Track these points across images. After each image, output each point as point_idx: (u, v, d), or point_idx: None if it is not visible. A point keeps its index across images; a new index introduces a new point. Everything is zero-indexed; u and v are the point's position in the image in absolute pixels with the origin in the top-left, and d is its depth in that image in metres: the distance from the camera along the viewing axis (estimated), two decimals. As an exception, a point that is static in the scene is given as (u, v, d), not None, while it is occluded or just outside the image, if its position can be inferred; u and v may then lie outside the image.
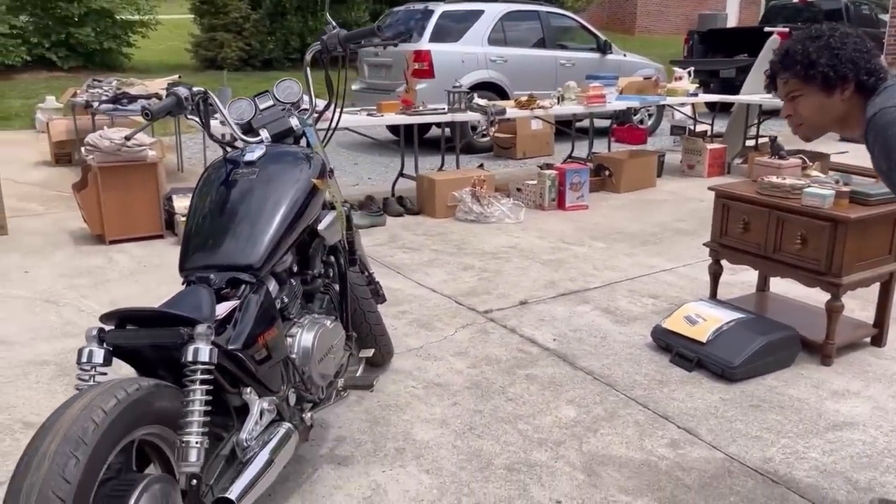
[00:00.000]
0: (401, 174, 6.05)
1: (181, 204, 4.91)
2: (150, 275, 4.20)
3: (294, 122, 2.42)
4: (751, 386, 2.87)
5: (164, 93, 6.38)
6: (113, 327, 1.75)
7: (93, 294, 3.89)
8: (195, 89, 2.25)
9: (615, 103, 6.51)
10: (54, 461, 1.33)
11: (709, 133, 8.10)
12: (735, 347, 2.93)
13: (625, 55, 9.61)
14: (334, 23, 2.40)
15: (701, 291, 3.82)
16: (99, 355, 1.70)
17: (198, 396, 1.63)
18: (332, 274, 2.51)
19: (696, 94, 7.11)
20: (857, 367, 3.04)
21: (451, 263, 4.44)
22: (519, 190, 5.93)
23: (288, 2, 15.37)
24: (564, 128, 7.96)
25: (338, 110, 2.55)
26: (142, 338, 1.73)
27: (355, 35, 2.37)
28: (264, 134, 2.38)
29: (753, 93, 7.23)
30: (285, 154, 2.27)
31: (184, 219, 4.70)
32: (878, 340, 3.22)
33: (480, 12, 8.54)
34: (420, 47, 8.09)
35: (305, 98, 2.53)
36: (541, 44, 8.91)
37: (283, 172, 2.20)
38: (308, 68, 2.51)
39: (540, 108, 6.07)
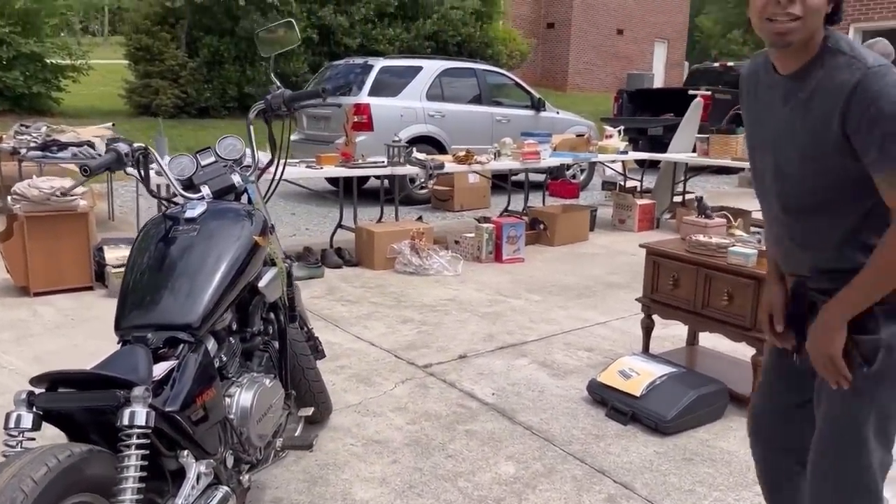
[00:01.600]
0: (339, 225, 6.05)
1: (113, 255, 4.79)
2: (78, 329, 4.05)
3: (236, 178, 2.43)
4: (683, 439, 2.95)
5: (96, 140, 6.26)
6: (43, 390, 1.70)
7: (14, 349, 3.73)
8: (135, 145, 2.23)
9: (549, 160, 6.71)
10: None
11: (638, 189, 8.41)
12: (668, 401, 3.01)
13: (557, 112, 9.95)
14: (278, 82, 2.43)
15: (634, 345, 3.92)
16: (28, 419, 1.63)
17: (133, 462, 1.59)
18: (271, 331, 2.49)
19: (625, 152, 7.40)
20: (782, 419, 3.15)
21: (390, 316, 4.44)
22: (457, 242, 6.01)
23: (226, 51, 15.36)
24: (500, 182, 8.14)
25: (280, 167, 2.57)
26: (75, 401, 1.68)
27: (300, 96, 2.41)
28: (205, 190, 2.37)
29: (680, 151, 7.56)
30: (226, 211, 2.26)
31: (116, 271, 4.64)
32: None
33: (419, 68, 8.73)
34: (360, 100, 8.19)
35: (248, 154, 2.54)
36: (477, 100, 9.15)
37: (224, 229, 2.19)
38: (251, 125, 2.52)
39: (477, 163, 6.20)
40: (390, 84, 8.49)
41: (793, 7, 1.45)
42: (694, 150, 7.42)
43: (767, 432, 1.91)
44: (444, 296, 4.91)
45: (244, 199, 2.49)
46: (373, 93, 8.30)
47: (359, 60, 8.87)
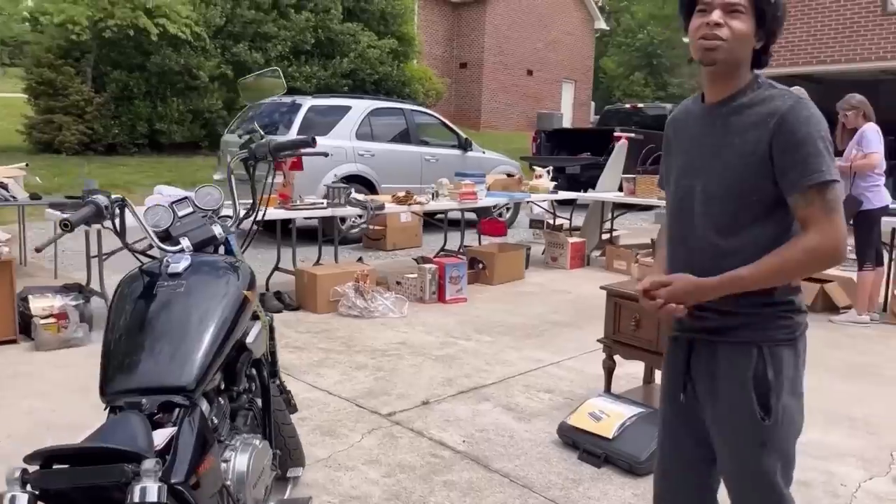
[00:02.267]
0: (276, 268, 5.90)
1: (39, 305, 4.48)
2: (7, 387, 3.75)
3: (217, 230, 2.32)
4: (658, 479, 2.98)
5: (9, 182, 5.90)
6: (38, 467, 1.55)
7: (-62, 413, 3.41)
8: (114, 197, 2.11)
9: (486, 199, 6.79)
10: None
11: (565, 226, 8.61)
12: (640, 442, 3.05)
13: (484, 152, 10.12)
14: (262, 131, 2.36)
15: (591, 384, 3.98)
16: (23, 501, 1.49)
17: None
18: (254, 388, 2.37)
19: (556, 192, 7.58)
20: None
21: (342, 363, 4.34)
22: (399, 283, 5.96)
23: (136, 86, 14.86)
24: (432, 220, 8.17)
25: (259, 216, 2.49)
26: (78, 478, 1.53)
27: (286, 145, 2.34)
28: (185, 243, 2.25)
29: (607, 190, 7.82)
30: (213, 265, 2.16)
31: (43, 322, 4.34)
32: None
33: (348, 108, 8.71)
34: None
35: (224, 203, 2.45)
36: (406, 139, 9.19)
37: (213, 285, 2.08)
38: (232, 175, 2.43)
39: (416, 203, 6.20)
40: (319, 123, 8.41)
41: (720, 30, 1.63)
42: (620, 189, 7.68)
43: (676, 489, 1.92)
44: (394, 339, 4.84)
45: (221, 249, 2.39)
46: (301, 132, 8.20)
47: (286, 99, 8.76)
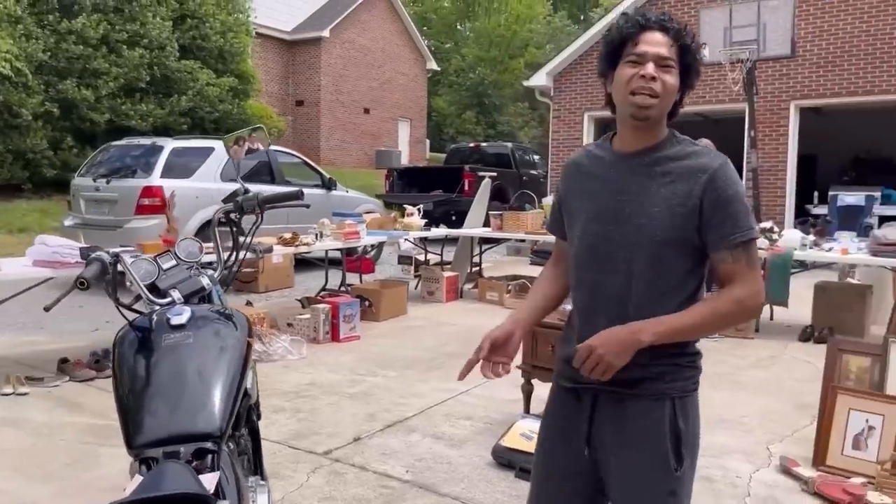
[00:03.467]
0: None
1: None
2: None
3: (205, 280, 2.39)
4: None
5: None
6: None
7: None
8: (112, 251, 2.14)
9: (367, 238, 6.98)
10: None
11: (432, 262, 8.97)
12: (571, 455, 3.38)
13: (347, 191, 10.29)
14: (246, 186, 2.46)
15: (503, 409, 4.29)
16: None
17: None
18: (245, 431, 2.43)
19: (428, 229, 7.93)
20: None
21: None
22: (290, 325, 5.98)
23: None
24: (313, 260, 8.20)
25: (237, 265, 2.57)
26: None
27: (274, 198, 2.46)
28: (175, 294, 2.30)
29: (474, 226, 8.28)
30: (214, 315, 2.23)
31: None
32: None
33: (211, 149, 8.56)
34: (151, 183, 7.83)
35: (206, 256, 2.50)
36: (271, 180, 9.16)
37: (220, 334, 2.16)
38: (216, 227, 2.50)
39: (304, 244, 6.28)
40: (182, 165, 8.21)
41: (654, 84, 1.64)
42: (486, 224, 8.18)
43: None
44: (301, 381, 4.89)
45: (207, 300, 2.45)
46: (165, 174, 7.97)
47: (144, 141, 8.48)
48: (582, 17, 36.55)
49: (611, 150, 1.79)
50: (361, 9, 25.97)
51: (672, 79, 1.67)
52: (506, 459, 3.52)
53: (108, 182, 8.08)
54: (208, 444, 1.90)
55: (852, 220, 10.38)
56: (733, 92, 10.98)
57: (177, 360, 2.04)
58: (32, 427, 3.96)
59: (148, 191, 7.79)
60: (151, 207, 7.71)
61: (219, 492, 1.78)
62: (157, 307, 2.22)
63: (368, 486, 3.29)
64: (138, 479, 1.78)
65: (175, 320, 2.14)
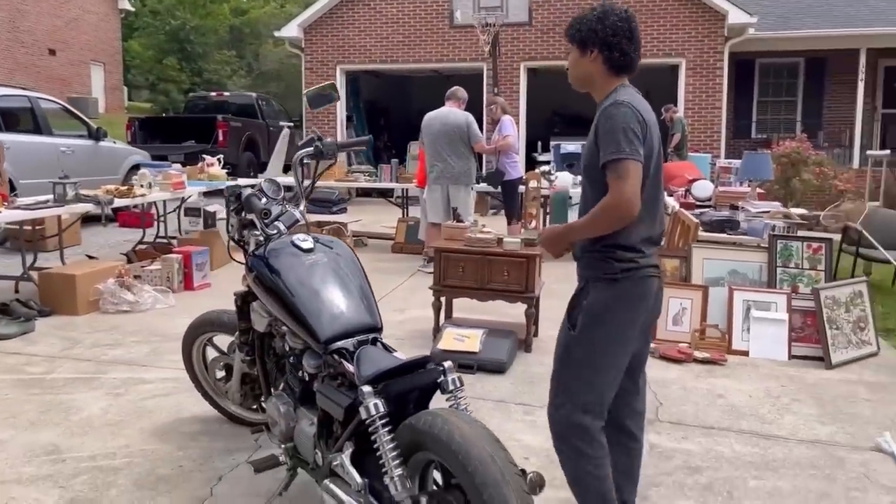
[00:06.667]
0: (25, 275, 5.29)
1: None
2: None
3: (297, 214, 2.75)
4: (510, 377, 4.22)
5: None
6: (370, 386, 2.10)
7: None
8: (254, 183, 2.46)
9: (190, 188, 6.96)
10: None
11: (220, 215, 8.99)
12: (497, 349, 4.23)
13: (115, 142, 9.68)
14: (319, 133, 2.83)
15: (412, 325, 4.97)
16: (380, 403, 2.07)
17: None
18: None
19: (235, 178, 8.03)
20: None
21: (176, 350, 4.47)
22: (138, 277, 5.88)
23: None
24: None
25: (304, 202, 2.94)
26: (414, 382, 2.16)
27: (349, 143, 2.87)
28: (281, 226, 2.68)
29: (276, 175, 8.53)
30: (326, 240, 2.67)
31: None
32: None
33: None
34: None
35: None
36: (37, 130, 8.36)
37: (340, 253, 2.62)
38: (299, 167, 2.81)
39: (139, 196, 6.14)
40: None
41: (570, 77, 2.38)
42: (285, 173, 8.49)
43: None
44: (187, 324, 5.00)
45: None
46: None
47: None
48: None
49: None
50: (41, -65, 22.86)
51: (570, 57, 2.34)
52: (444, 358, 4.24)
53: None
54: (375, 335, 2.43)
55: (570, 164, 12.53)
56: (476, 53, 12.39)
57: (325, 274, 2.50)
58: None
59: None
60: None
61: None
62: (281, 235, 2.60)
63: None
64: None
65: (304, 245, 2.55)
